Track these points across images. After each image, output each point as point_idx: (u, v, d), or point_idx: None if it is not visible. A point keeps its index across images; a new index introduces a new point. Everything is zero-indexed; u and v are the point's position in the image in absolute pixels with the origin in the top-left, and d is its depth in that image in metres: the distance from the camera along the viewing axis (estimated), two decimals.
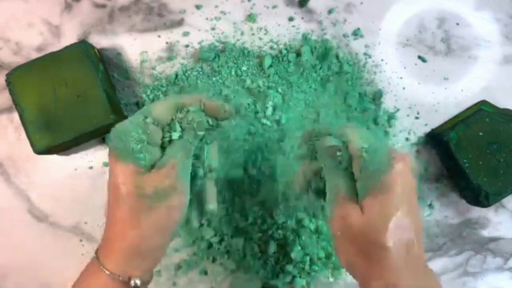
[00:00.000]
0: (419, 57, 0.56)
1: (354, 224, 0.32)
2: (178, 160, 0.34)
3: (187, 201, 0.35)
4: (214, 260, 0.53)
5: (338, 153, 0.35)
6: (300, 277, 0.52)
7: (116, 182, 0.33)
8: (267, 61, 0.53)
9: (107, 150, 0.53)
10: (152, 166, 0.34)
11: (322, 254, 0.52)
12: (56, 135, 0.47)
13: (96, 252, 0.35)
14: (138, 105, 0.54)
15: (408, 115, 0.56)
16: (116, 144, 0.33)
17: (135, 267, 0.33)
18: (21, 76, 0.48)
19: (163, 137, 0.35)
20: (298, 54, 0.54)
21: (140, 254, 0.33)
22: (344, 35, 0.55)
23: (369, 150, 0.33)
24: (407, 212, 0.32)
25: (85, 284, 0.34)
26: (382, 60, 0.56)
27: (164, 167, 0.33)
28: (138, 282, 0.33)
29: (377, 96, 0.55)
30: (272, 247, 0.51)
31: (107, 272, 0.32)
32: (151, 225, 0.33)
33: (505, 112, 0.53)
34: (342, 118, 0.54)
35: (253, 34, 0.55)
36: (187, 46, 0.54)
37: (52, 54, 0.49)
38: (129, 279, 0.33)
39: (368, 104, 0.54)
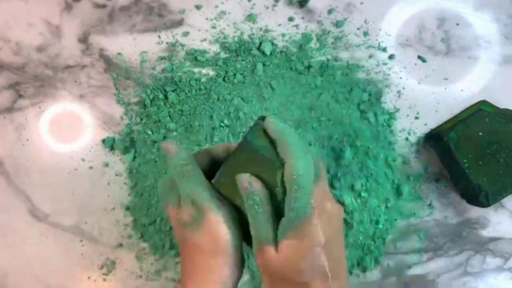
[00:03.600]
0: (419, 57, 0.56)
1: (270, 266, 0.34)
2: (191, 187, 0.36)
3: (225, 218, 0.35)
4: None
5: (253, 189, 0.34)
6: None
7: (170, 223, 0.38)
8: (259, 68, 0.53)
9: (107, 150, 0.54)
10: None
11: None
12: None
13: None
14: (138, 105, 0.54)
15: (408, 115, 0.56)
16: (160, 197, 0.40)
17: None
18: None
19: None
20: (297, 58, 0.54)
21: (203, 279, 0.36)
22: (344, 35, 0.56)
23: (299, 184, 0.32)
24: (324, 252, 0.33)
25: None
26: (382, 60, 0.56)
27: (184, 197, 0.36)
28: None
29: (377, 96, 0.55)
30: None
31: None
32: (200, 250, 0.35)
33: (505, 112, 0.53)
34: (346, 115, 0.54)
35: (253, 34, 0.55)
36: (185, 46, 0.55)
37: None
38: None
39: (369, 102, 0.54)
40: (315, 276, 0.33)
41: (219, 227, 0.35)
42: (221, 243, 0.35)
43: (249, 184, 0.34)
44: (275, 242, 0.34)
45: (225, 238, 0.35)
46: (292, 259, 0.33)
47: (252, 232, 0.34)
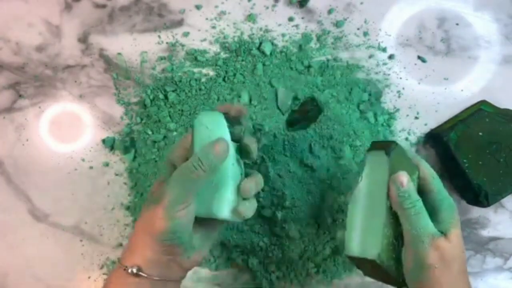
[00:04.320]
0: (419, 57, 0.56)
1: (448, 253, 0.38)
2: (167, 178, 0.37)
3: (167, 215, 0.36)
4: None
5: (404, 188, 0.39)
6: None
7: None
8: (259, 67, 0.53)
9: (107, 150, 0.54)
10: None
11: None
12: None
13: None
14: (138, 105, 0.54)
15: (408, 115, 0.56)
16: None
17: (132, 258, 0.37)
18: None
19: None
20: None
21: (134, 246, 0.37)
22: (344, 35, 0.55)
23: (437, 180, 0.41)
24: None
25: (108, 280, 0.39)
26: (382, 60, 0.56)
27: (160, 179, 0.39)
28: (134, 270, 0.36)
29: (376, 96, 0.55)
30: None
31: (121, 266, 0.37)
32: (139, 223, 0.38)
33: (505, 112, 0.53)
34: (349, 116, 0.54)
35: (253, 34, 0.55)
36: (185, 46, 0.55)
37: None
38: (126, 267, 0.36)
39: (369, 102, 0.54)
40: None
41: (158, 221, 0.36)
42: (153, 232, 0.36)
43: (409, 183, 0.39)
44: (443, 233, 0.38)
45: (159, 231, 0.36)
46: (461, 245, 0.39)
47: (415, 231, 0.38)
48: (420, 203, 0.39)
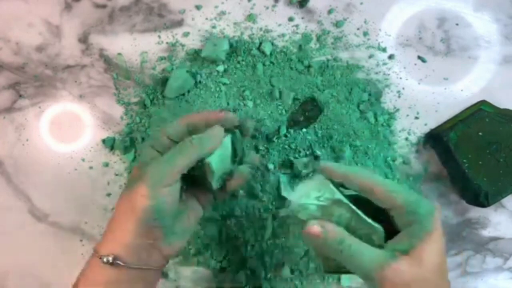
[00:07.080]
0: (419, 57, 0.56)
1: (411, 276, 0.32)
2: (145, 155, 0.38)
3: (151, 193, 0.35)
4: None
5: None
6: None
7: None
8: (260, 68, 0.53)
9: (107, 150, 0.54)
10: None
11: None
12: None
13: None
14: (138, 105, 0.54)
15: (408, 115, 0.56)
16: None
17: (108, 245, 0.36)
18: None
19: None
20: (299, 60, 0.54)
21: (113, 232, 0.37)
22: (344, 35, 0.56)
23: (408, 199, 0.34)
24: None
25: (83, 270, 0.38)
26: (382, 60, 0.56)
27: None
28: (109, 258, 0.35)
29: (376, 96, 0.55)
30: None
31: (96, 254, 0.36)
32: (119, 206, 0.38)
33: (505, 112, 0.53)
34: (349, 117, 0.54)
35: (253, 34, 0.55)
36: (185, 46, 0.55)
37: None
38: (101, 256, 0.35)
39: (368, 102, 0.54)
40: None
41: (138, 200, 0.35)
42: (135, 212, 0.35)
43: (323, 232, 0.34)
44: (406, 252, 0.33)
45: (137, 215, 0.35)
46: (430, 262, 0.33)
47: (360, 271, 0.33)
48: (350, 239, 0.34)
